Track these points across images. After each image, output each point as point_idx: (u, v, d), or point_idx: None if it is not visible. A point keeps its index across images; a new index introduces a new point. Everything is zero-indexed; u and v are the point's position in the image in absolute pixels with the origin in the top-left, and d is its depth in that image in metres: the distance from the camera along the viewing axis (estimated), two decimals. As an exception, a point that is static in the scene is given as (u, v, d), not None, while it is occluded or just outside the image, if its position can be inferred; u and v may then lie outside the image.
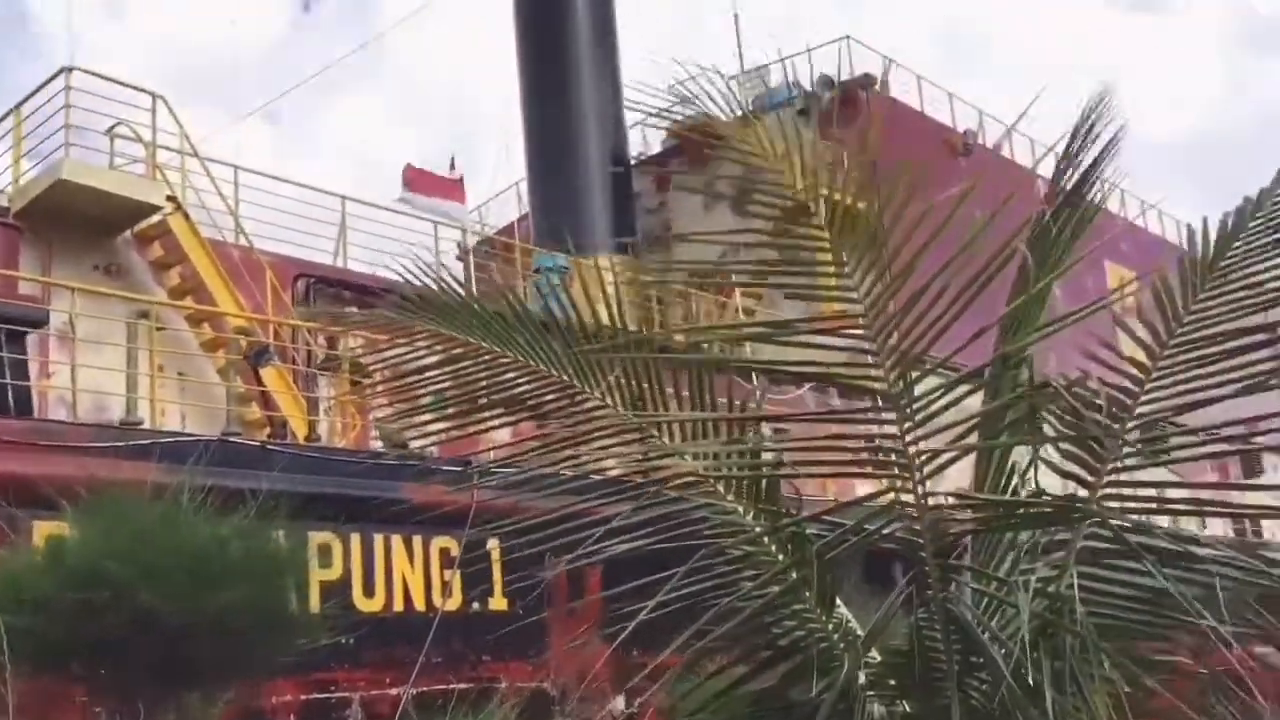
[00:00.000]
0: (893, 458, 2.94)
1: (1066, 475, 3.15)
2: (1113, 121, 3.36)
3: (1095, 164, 3.37)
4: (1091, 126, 3.40)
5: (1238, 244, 3.26)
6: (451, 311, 3.88)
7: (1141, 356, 3.40)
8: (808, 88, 25.78)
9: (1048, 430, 3.08)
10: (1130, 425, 3.17)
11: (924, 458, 2.86)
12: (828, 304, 3.06)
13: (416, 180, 14.97)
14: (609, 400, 3.62)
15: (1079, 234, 3.25)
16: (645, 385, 3.52)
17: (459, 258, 20.10)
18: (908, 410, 2.92)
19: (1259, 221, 3.23)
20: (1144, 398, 3.27)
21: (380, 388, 5.26)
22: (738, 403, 3.53)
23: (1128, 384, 3.22)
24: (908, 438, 2.86)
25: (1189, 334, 3.33)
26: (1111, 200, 31.84)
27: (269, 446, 10.60)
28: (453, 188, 15.47)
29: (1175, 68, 71.99)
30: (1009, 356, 2.87)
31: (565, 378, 3.71)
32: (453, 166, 20.22)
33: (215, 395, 13.02)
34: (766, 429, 3.87)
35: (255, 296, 13.62)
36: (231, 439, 10.53)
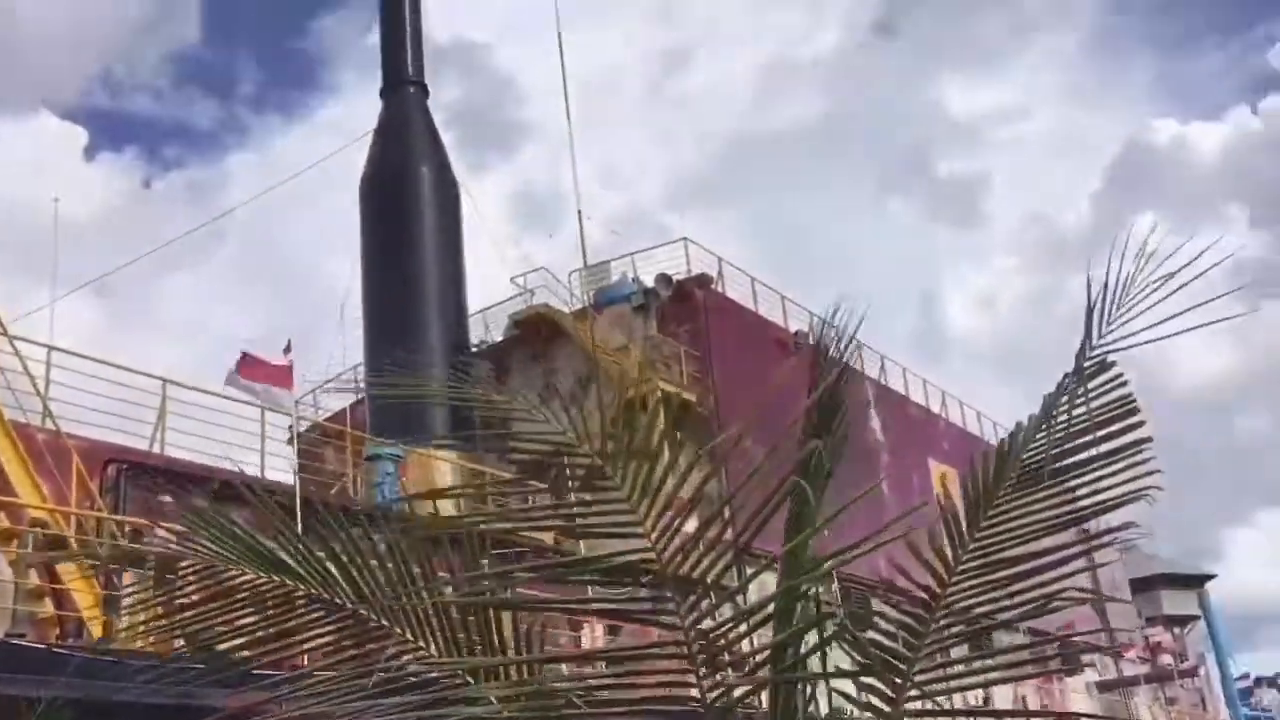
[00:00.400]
0: (685, 684, 2.89)
1: (863, 707, 3.15)
2: (853, 332, 3.50)
3: (838, 381, 3.49)
4: (833, 339, 3.53)
5: (1015, 471, 3.41)
6: (252, 554, 3.68)
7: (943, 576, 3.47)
8: (647, 284, 26.64)
9: (840, 661, 3.08)
10: (921, 653, 3.21)
11: (716, 691, 2.81)
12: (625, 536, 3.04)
13: (244, 366, 14.61)
14: (411, 638, 3.46)
15: (837, 458, 3.33)
16: (445, 626, 3.38)
17: (288, 443, 19.53)
18: (700, 639, 2.89)
19: (1027, 455, 3.40)
20: (935, 625, 3.33)
21: (190, 588, 4.94)
22: (530, 640, 3.42)
23: (920, 611, 3.27)
24: (701, 671, 2.82)
25: (974, 559, 3.43)
26: (934, 401, 33.47)
27: (56, 649, 9.81)
28: (281, 374, 15.13)
29: (988, 276, 77.36)
30: (792, 590, 2.89)
31: (367, 614, 3.55)
32: (288, 349, 19.89)
33: (5, 592, 12.04)
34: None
35: (60, 484, 12.85)
36: (14, 641, 9.71)
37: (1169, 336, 3.09)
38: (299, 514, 4.53)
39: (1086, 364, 3.28)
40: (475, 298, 27.60)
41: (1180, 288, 3.08)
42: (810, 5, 76.96)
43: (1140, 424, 3.22)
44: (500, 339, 27.91)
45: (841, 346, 3.50)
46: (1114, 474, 3.29)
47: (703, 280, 26.34)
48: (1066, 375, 3.33)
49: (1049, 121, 77.61)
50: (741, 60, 77.18)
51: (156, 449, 14.92)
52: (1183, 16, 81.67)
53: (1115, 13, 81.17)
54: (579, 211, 29.58)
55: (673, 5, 75.65)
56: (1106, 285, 3.43)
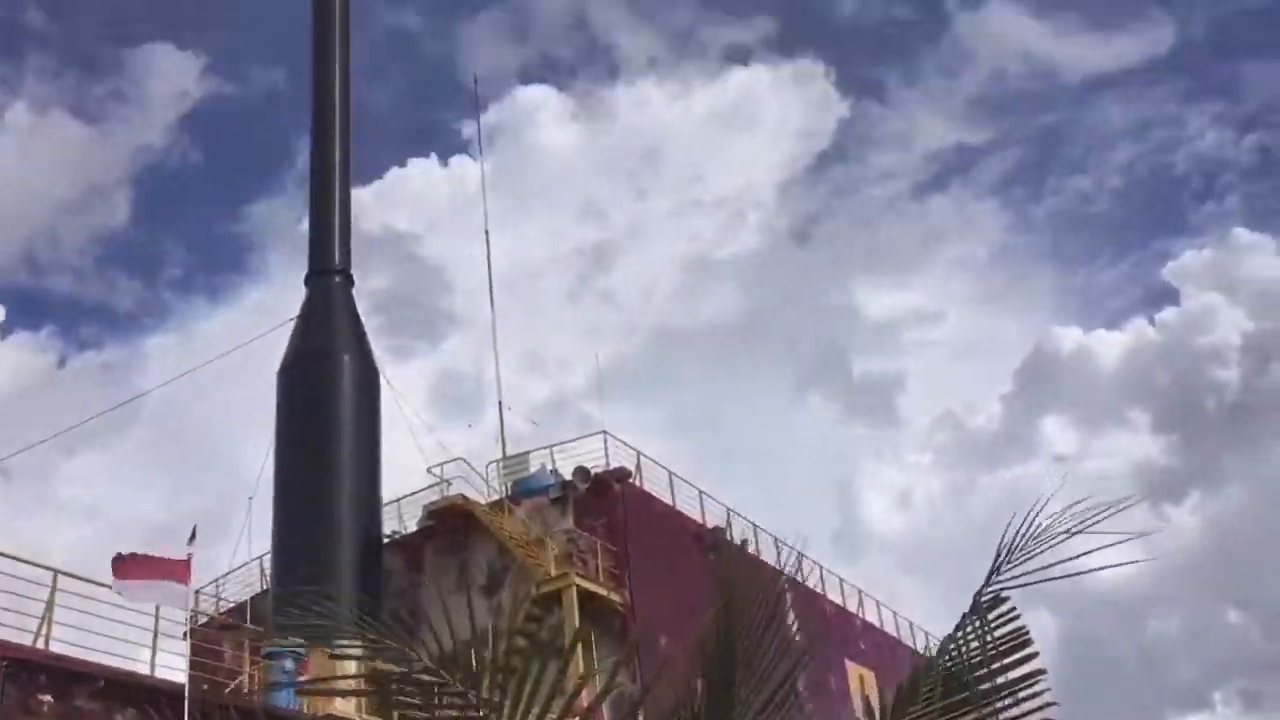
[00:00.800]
0: None
1: None
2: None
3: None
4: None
5: (915, 707, 3.40)
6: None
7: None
8: (566, 476, 26.53)
9: None
10: None
11: None
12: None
13: (129, 568, 14.05)
14: None
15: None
16: None
17: (184, 637, 18.69)
18: None
19: (929, 689, 3.40)
20: None
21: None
22: None
23: None
24: None
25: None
26: (850, 600, 33.32)
27: None
28: (177, 568, 14.57)
29: (903, 473, 78.45)
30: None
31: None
32: (193, 537, 19.24)
33: None
34: None
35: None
36: None
37: (1064, 578, 3.16)
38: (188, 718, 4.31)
39: (984, 599, 3.33)
40: (392, 486, 27.20)
41: (1076, 532, 3.18)
42: (730, 211, 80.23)
43: (1034, 655, 3.25)
44: (415, 529, 27.39)
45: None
46: (1014, 705, 3.30)
47: (620, 474, 26.31)
48: (965, 615, 3.37)
49: (960, 325, 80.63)
50: (664, 259, 79.67)
51: (41, 644, 14.17)
52: (1082, 234, 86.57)
53: (1019, 230, 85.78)
54: (500, 402, 29.73)
55: (598, 205, 78.32)
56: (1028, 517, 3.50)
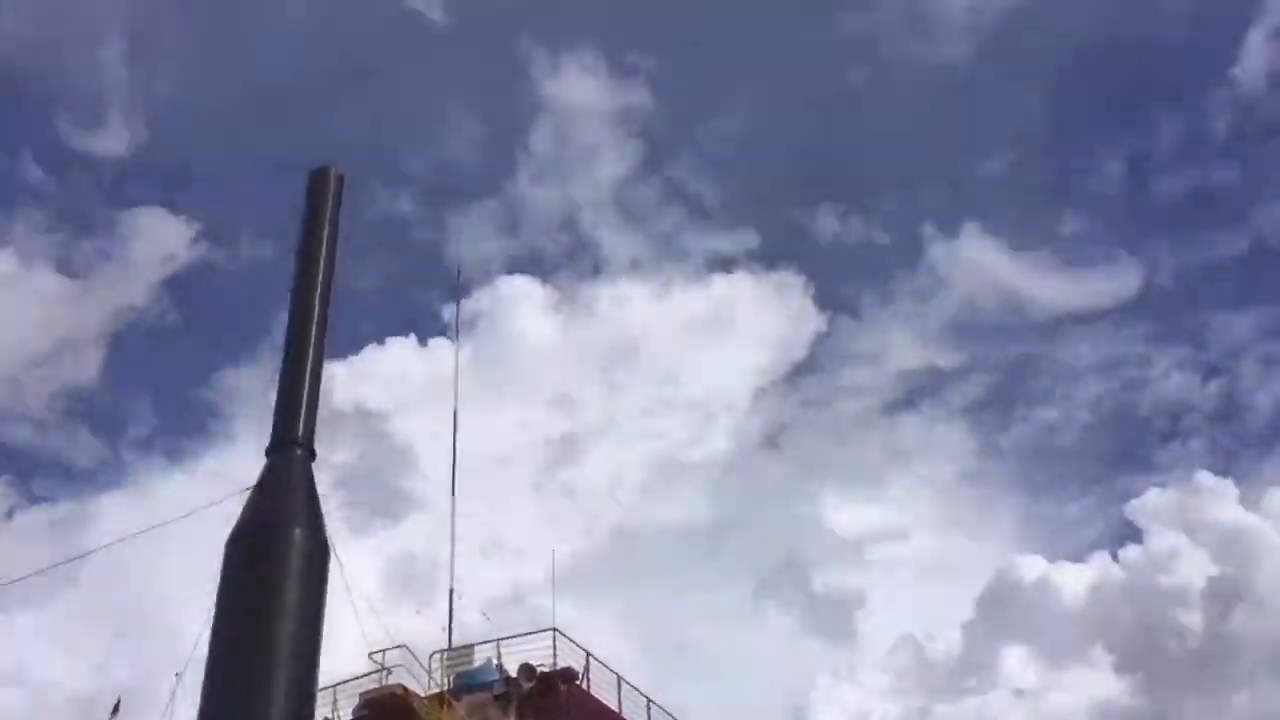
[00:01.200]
0: None
1: None
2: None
3: None
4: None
5: None
6: None
7: None
8: (511, 673, 25.74)
9: None
10: None
11: None
12: None
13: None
14: None
15: None
16: None
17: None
18: None
19: None
20: None
21: None
22: None
23: None
24: None
25: None
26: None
27: None
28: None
29: (860, 695, 76.31)
30: None
31: None
32: (116, 710, 18.34)
33: None
34: None
35: None
36: None
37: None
38: None
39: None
40: (331, 668, 26.15)
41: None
42: (702, 413, 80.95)
43: None
44: (349, 718, 26.29)
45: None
46: None
47: (568, 675, 25.55)
48: None
49: (924, 546, 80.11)
50: (632, 456, 79.69)
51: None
52: (1048, 465, 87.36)
53: (986, 456, 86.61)
54: (451, 590, 29.03)
55: (571, 397, 78.93)
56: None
